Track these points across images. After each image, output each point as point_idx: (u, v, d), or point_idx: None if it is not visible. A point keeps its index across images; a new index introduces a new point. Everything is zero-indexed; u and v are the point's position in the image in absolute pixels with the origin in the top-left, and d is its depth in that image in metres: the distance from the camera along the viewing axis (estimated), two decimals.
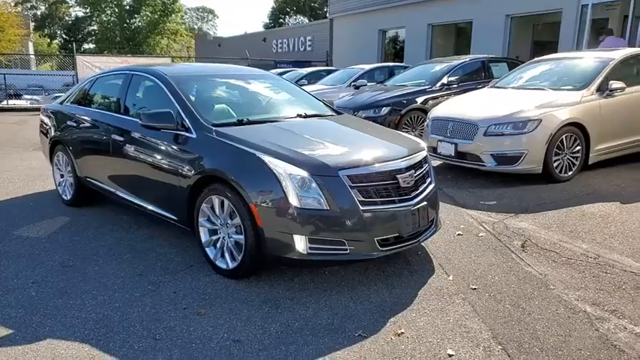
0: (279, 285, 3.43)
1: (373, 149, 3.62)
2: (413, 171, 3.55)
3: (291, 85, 5.07)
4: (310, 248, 3.22)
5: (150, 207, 4.22)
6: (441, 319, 2.98)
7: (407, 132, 8.50)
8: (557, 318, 2.98)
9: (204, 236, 3.68)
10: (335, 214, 3.19)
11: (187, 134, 3.77)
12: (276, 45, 28.73)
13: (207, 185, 3.55)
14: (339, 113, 4.76)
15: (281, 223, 3.21)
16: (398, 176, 3.43)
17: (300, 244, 3.20)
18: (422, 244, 4.09)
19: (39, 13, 58.63)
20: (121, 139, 4.39)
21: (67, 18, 59.94)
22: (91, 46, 57.81)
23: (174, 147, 3.82)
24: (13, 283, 3.54)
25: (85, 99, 5.29)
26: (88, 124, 4.97)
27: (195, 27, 71.87)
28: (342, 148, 3.58)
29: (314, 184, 3.18)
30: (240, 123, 3.92)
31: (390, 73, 12.10)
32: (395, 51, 19.70)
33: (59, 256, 4.02)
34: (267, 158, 3.29)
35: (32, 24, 52.31)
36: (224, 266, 3.54)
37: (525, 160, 5.75)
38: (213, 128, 3.72)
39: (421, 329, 2.88)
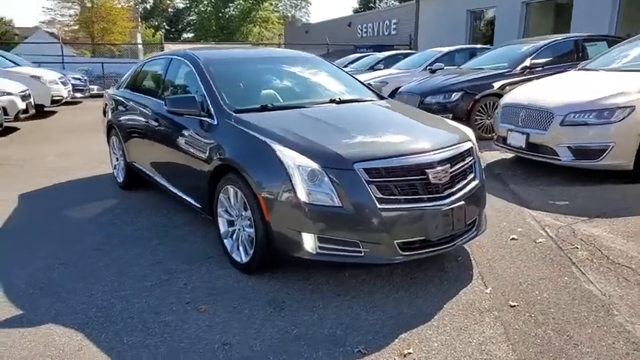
0: (292, 284, 3.16)
1: (402, 139, 3.20)
2: (448, 165, 3.08)
3: (334, 68, 4.70)
4: (320, 248, 2.90)
5: (180, 194, 4.14)
6: (460, 341, 2.54)
7: (481, 120, 7.80)
8: (612, 354, 2.41)
9: (222, 227, 3.50)
10: (348, 212, 2.84)
11: (210, 120, 3.59)
12: (361, 29, 28.14)
13: (225, 174, 3.35)
14: (382, 98, 4.35)
15: (289, 218, 2.92)
16: (428, 171, 2.98)
17: (309, 242, 2.90)
18: (466, 247, 3.62)
19: (148, 7, 62.90)
20: (156, 124, 4.34)
21: (169, 10, 63.77)
22: (190, 35, 61.03)
23: (199, 133, 3.67)
24: (43, 263, 3.59)
25: (134, 84, 5.34)
26: (133, 109, 5.00)
27: (289, 14, 73.04)
28: (367, 137, 3.20)
29: (325, 178, 2.85)
30: (264, 109, 3.66)
31: (472, 55, 11.20)
32: (484, 33, 18.39)
33: (94, 239, 4.06)
34: (277, 147, 3.00)
35: (140, 17, 56.24)
36: (238, 259, 3.34)
37: (611, 155, 4.93)
38: (234, 114, 3.50)
39: (433, 351, 2.46)
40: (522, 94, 5.96)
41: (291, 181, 2.87)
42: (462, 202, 3.09)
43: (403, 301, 2.94)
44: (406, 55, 13.65)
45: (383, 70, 12.21)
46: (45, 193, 5.48)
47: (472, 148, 3.40)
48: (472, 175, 3.31)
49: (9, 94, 9.45)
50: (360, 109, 3.89)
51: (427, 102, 7.96)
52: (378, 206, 2.84)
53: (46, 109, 12.23)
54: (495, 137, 6.19)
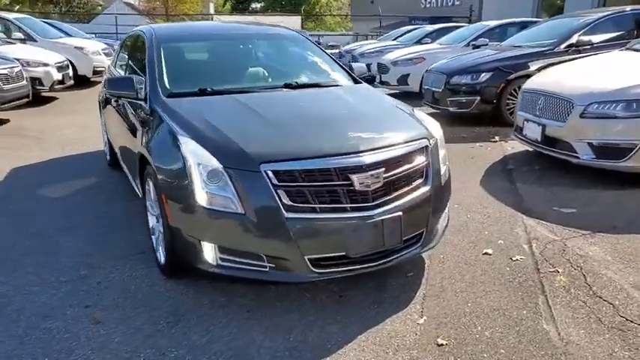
0: (207, 293, 2.82)
1: (331, 135, 2.72)
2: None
3: (312, 48, 4.18)
4: (221, 259, 2.54)
5: (130, 178, 3.91)
6: None
7: (514, 105, 6.96)
8: None
9: (150, 222, 3.22)
10: (251, 221, 2.44)
11: (143, 104, 3.28)
12: (425, 0, 26.68)
13: (147, 166, 3.05)
14: (357, 83, 3.83)
15: (188, 224, 2.58)
16: (352, 176, 2.50)
17: (210, 252, 2.54)
18: (425, 259, 3.14)
19: None
20: (116, 103, 4.10)
21: None
22: (259, 5, 61.02)
23: (135, 117, 3.38)
24: None
25: (115, 59, 5.14)
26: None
27: None
28: (292, 131, 2.76)
29: (227, 179, 2.46)
30: (202, 93, 3.28)
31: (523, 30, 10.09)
32: (554, 3, 16.71)
33: (48, 221, 3.93)
34: (183, 139, 2.64)
35: None
36: (160, 260, 3.05)
37: (638, 156, 4.13)
38: (164, 99, 3.16)
39: None
40: (547, 77, 5.18)
41: (190, 180, 2.51)
42: (399, 213, 2.60)
43: (314, 327, 2.52)
44: (456, 29, 12.63)
45: (422, 45, 11.37)
46: (41, 166, 5.48)
47: (427, 147, 2.85)
48: (420, 181, 2.78)
49: (45, 64, 9.67)
50: (310, 97, 3.41)
51: (453, 82, 7.21)
52: (286, 215, 2.42)
53: (92, 79, 12.53)
54: (514, 126, 5.45)
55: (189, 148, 2.58)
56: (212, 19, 17.69)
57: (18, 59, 8.80)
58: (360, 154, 2.56)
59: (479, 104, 7.08)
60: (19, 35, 11.08)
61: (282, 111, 3.07)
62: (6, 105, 7.54)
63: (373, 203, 2.55)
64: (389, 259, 2.67)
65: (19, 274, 3.10)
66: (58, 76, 9.94)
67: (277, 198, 2.43)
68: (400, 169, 2.67)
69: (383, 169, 2.59)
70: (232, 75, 3.63)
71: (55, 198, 4.49)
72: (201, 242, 2.53)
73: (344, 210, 2.51)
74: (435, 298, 2.78)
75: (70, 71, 10.70)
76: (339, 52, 17.15)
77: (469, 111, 7.18)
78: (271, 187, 2.42)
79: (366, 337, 2.44)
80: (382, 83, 10.60)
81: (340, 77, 3.85)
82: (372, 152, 2.60)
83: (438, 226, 2.97)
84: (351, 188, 2.51)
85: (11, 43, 10.41)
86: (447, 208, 3.15)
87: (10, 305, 2.76)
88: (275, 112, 3.02)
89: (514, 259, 3.18)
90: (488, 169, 5.20)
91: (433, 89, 7.57)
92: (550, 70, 5.51)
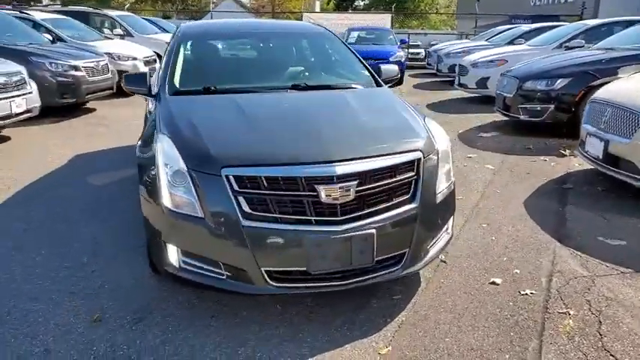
0: (182, 293, 2.79)
1: (311, 142, 2.55)
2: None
3: (337, 47, 4.01)
4: (184, 262, 2.49)
5: None
6: None
7: None
8: None
9: None
10: (209, 226, 2.37)
11: (153, 101, 3.35)
12: None
13: None
14: (379, 85, 3.60)
15: (156, 223, 2.56)
16: (319, 187, 2.33)
17: (173, 255, 2.51)
18: (422, 281, 2.89)
19: None
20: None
21: None
22: (363, 2, 60.95)
23: (149, 115, 3.47)
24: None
25: None
26: None
27: None
28: (267, 136, 2.63)
29: (189, 181, 2.41)
30: (206, 91, 3.27)
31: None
32: None
33: (80, 209, 4.16)
34: (160, 137, 2.64)
35: None
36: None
37: None
38: (168, 97, 3.19)
39: None
40: (622, 85, 4.51)
41: (158, 180, 2.50)
42: (371, 231, 2.38)
43: (270, 342, 2.39)
44: (553, 28, 11.58)
45: (508, 47, 10.57)
46: (101, 155, 5.87)
47: (419, 161, 2.58)
48: (405, 197, 2.52)
49: (134, 58, 10.42)
50: (312, 100, 3.24)
51: (526, 88, 6.59)
52: (242, 223, 2.32)
53: None
54: (579, 141, 4.84)
55: (162, 146, 2.57)
56: (302, 17, 17.91)
57: (110, 53, 9.58)
58: (332, 164, 2.37)
59: (553, 113, 6.40)
60: (119, 32, 12.04)
61: (273, 114, 2.96)
62: (90, 95, 8.22)
63: (341, 218, 2.36)
64: (358, 279, 2.46)
65: (32, 255, 3.30)
66: (144, 69, 10.64)
67: (236, 204, 2.33)
68: (378, 183, 2.45)
69: (355, 181, 2.38)
70: (245, 74, 3.59)
71: (97, 186, 4.77)
72: (167, 244, 2.51)
73: (308, 222, 2.35)
74: (411, 328, 2.52)
75: (158, 64, 11.42)
76: (427, 51, 16.59)
77: (541, 120, 6.53)
78: (231, 193, 2.33)
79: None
80: (460, 86, 10.04)
81: (358, 79, 3.65)
82: (346, 163, 2.40)
83: (430, 247, 2.69)
84: (317, 200, 2.34)
85: (110, 38, 11.34)
86: (447, 228, 2.85)
87: (11, 284, 2.96)
88: (264, 114, 2.92)
89: (523, 292, 2.80)
90: (541, 186, 4.66)
91: (505, 94, 6.98)
92: (627, 77, 4.80)
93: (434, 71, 14.53)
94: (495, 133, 7.05)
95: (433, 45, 17.20)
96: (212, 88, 3.27)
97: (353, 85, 3.51)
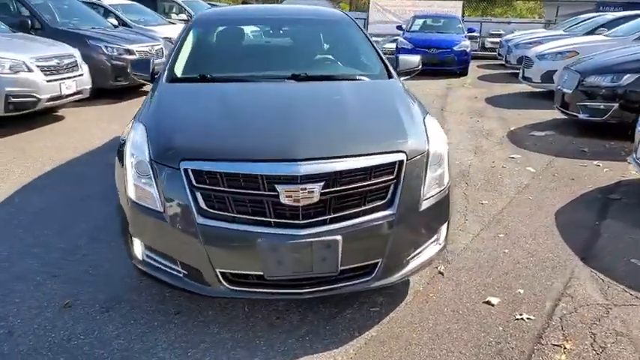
0: (155, 286, 2.73)
1: (282, 137, 2.37)
2: (321, 183, 2.17)
3: (353, 35, 3.72)
4: (147, 256, 2.42)
5: None
6: None
7: None
8: None
9: None
10: (166, 221, 2.28)
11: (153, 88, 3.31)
12: None
13: None
14: (390, 77, 3.33)
15: (124, 214, 2.51)
16: (279, 187, 2.16)
17: (138, 248, 2.44)
18: (410, 294, 2.66)
19: None
20: None
21: None
22: None
23: None
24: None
25: None
26: None
27: None
28: (239, 129, 2.49)
29: (152, 174, 2.32)
30: (202, 79, 3.17)
31: None
32: None
33: (98, 190, 4.26)
34: (135, 126, 2.58)
35: None
36: None
37: None
38: (163, 84, 3.13)
39: None
40: None
41: (126, 171, 2.44)
42: (335, 238, 2.18)
43: (222, 347, 2.27)
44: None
45: (583, 37, 9.65)
46: None
47: (401, 164, 2.32)
48: (380, 202, 2.28)
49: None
50: (305, 91, 3.02)
51: (588, 83, 5.94)
52: (198, 220, 2.20)
53: None
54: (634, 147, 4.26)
55: (133, 135, 2.50)
56: (369, 3, 17.49)
57: (169, 38, 9.83)
58: (297, 163, 2.19)
59: (617, 112, 5.72)
60: (184, 17, 12.36)
61: (256, 106, 2.80)
62: None
63: (302, 221, 2.18)
64: (320, 289, 2.27)
65: (36, 233, 3.40)
66: None
67: (193, 200, 2.21)
68: (348, 186, 2.23)
69: (321, 183, 2.18)
70: (246, 62, 3.45)
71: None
72: (132, 237, 2.45)
73: (266, 224, 2.19)
74: (378, 345, 2.30)
75: None
76: (500, 41, 15.62)
77: (602, 120, 5.86)
78: (188, 188, 2.22)
79: None
80: (525, 79, 9.32)
81: (368, 70, 3.39)
82: (312, 162, 2.20)
83: (412, 258, 2.44)
84: (277, 201, 2.17)
85: (173, 23, 11.65)
86: (438, 238, 2.58)
87: (8, 261, 3.05)
88: (248, 106, 2.78)
89: (519, 317, 2.48)
90: (584, 195, 4.17)
91: (564, 90, 6.35)
92: None
93: (504, 62, 13.66)
94: (550, 132, 6.45)
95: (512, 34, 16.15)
96: (208, 76, 3.17)
97: (358, 77, 3.26)
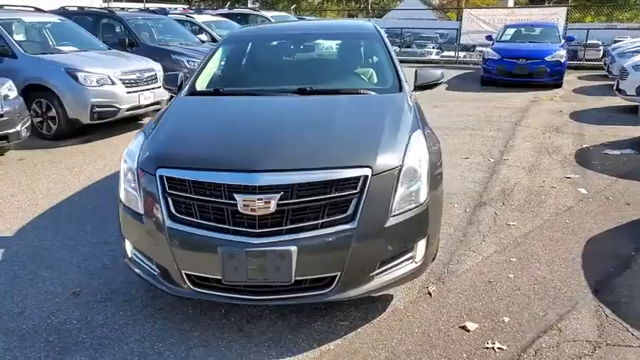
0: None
1: (253, 149, 2.49)
2: (278, 194, 2.25)
3: (376, 48, 3.71)
4: (134, 255, 2.66)
5: None
6: None
7: None
8: None
9: None
10: (144, 223, 2.49)
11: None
12: None
13: None
14: (416, 89, 3.37)
15: (119, 218, 2.76)
16: (238, 196, 2.27)
17: (128, 246, 2.69)
18: (382, 313, 2.64)
19: None
20: None
21: None
22: None
23: None
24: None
25: None
26: None
27: None
28: (218, 140, 2.66)
29: (135, 178, 2.55)
30: (216, 93, 3.38)
31: None
32: None
33: None
34: (137, 134, 2.84)
35: None
36: None
37: None
38: (181, 96, 3.40)
39: None
40: None
41: (119, 177, 2.71)
42: (290, 248, 2.24)
43: (185, 345, 2.43)
44: None
45: None
46: None
47: (365, 178, 2.31)
48: (341, 216, 2.29)
49: None
50: (303, 105, 3.09)
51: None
52: (167, 224, 2.38)
53: None
54: None
55: (131, 144, 2.76)
56: (461, 13, 16.91)
57: None
58: (256, 174, 2.29)
59: None
60: None
61: (248, 119, 2.95)
62: None
63: (258, 231, 2.27)
64: (275, 297, 2.34)
65: (79, 229, 3.82)
66: None
67: (164, 205, 2.40)
68: (307, 198, 2.28)
69: (279, 194, 2.26)
70: (261, 76, 3.61)
71: None
72: (125, 237, 2.70)
73: (226, 231, 2.31)
74: (331, 359, 2.30)
75: None
76: (605, 50, 14.32)
77: None
78: (161, 193, 2.41)
79: None
80: (619, 92, 8.46)
81: (378, 84, 3.40)
82: (271, 174, 2.29)
83: (378, 274, 2.41)
84: (236, 209, 2.28)
85: None
86: (413, 256, 2.51)
87: (46, 251, 3.49)
88: (240, 119, 2.94)
89: (489, 346, 2.34)
90: (631, 222, 3.76)
91: None
92: None
93: (606, 73, 12.50)
94: (628, 150, 5.83)
95: (617, 42, 14.76)
96: (221, 90, 3.39)
97: (363, 91, 3.26)
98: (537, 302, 2.70)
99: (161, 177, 2.43)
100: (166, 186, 2.41)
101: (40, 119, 6.63)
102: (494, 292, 2.82)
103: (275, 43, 4.04)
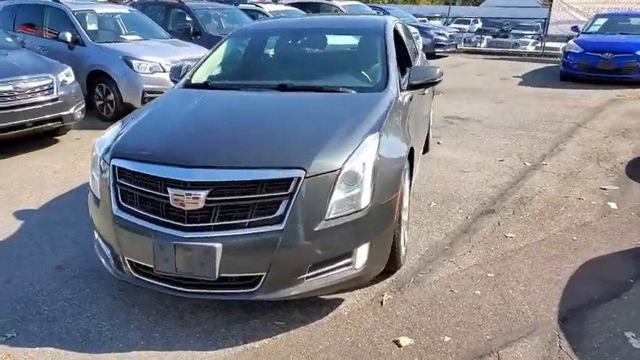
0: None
1: (200, 144, 2.58)
2: (208, 191, 2.29)
3: (375, 44, 3.57)
4: (97, 240, 2.84)
5: None
6: None
7: None
8: None
9: None
10: (99, 209, 2.65)
11: None
12: None
13: None
14: (411, 88, 3.30)
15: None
16: (170, 190, 2.35)
17: (96, 233, 2.88)
18: (318, 320, 2.62)
19: None
20: None
21: None
22: None
23: None
24: None
25: None
26: None
27: None
28: (179, 134, 2.75)
29: (99, 167, 2.71)
30: (205, 86, 3.47)
31: None
32: None
33: None
34: (115, 124, 3.00)
35: None
36: None
37: None
38: (174, 89, 3.54)
39: None
40: None
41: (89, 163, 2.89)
42: (214, 245, 2.28)
43: (109, 331, 2.56)
44: None
45: None
46: None
47: (298, 180, 2.28)
48: (269, 217, 2.29)
49: None
50: (276, 102, 3.08)
51: None
52: (114, 212, 2.52)
53: None
54: None
55: (105, 133, 2.93)
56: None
57: None
58: (188, 169, 2.36)
59: None
60: None
61: (210, 113, 3.04)
62: None
63: (186, 225, 2.33)
64: (200, 291, 2.40)
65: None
66: None
67: (114, 194, 2.54)
68: (234, 197, 2.30)
69: (208, 190, 2.30)
70: (251, 71, 3.66)
71: None
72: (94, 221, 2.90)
73: (159, 223, 2.40)
74: (250, 357, 2.32)
75: None
76: None
77: None
78: (112, 182, 2.55)
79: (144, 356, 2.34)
80: None
81: (363, 82, 3.30)
82: (201, 170, 2.34)
83: (310, 278, 2.38)
84: (168, 203, 2.36)
85: None
86: (352, 263, 2.45)
87: (60, 225, 3.81)
88: (203, 113, 3.02)
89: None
90: None
91: None
92: None
93: None
94: None
95: None
96: (209, 83, 3.48)
97: (342, 89, 3.15)
98: (491, 324, 2.50)
99: (114, 167, 2.57)
100: (117, 175, 2.55)
101: (101, 102, 7.23)
102: (450, 308, 2.66)
103: (274, 38, 4.04)
